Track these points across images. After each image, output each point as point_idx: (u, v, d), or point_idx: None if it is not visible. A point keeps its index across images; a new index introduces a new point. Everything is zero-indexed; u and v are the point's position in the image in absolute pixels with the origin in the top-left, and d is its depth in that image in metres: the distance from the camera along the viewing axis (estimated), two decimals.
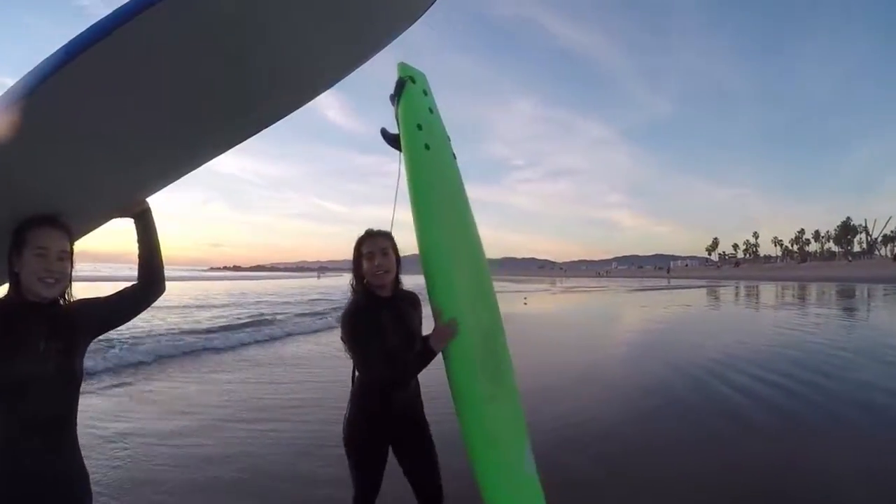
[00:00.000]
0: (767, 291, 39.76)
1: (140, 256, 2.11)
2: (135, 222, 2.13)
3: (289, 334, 15.22)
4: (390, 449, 2.73)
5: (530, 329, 16.79)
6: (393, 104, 2.82)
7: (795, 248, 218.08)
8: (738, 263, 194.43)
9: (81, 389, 1.93)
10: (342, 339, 2.54)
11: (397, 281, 2.71)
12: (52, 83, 1.37)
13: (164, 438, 5.70)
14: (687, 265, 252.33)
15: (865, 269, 78.37)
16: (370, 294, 2.63)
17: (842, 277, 63.58)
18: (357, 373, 2.65)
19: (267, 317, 19.16)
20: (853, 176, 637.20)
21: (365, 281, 2.63)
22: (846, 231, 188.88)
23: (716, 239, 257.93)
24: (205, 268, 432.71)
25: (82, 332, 1.94)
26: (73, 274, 1.93)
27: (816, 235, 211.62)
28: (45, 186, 1.78)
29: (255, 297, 32.84)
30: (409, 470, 2.74)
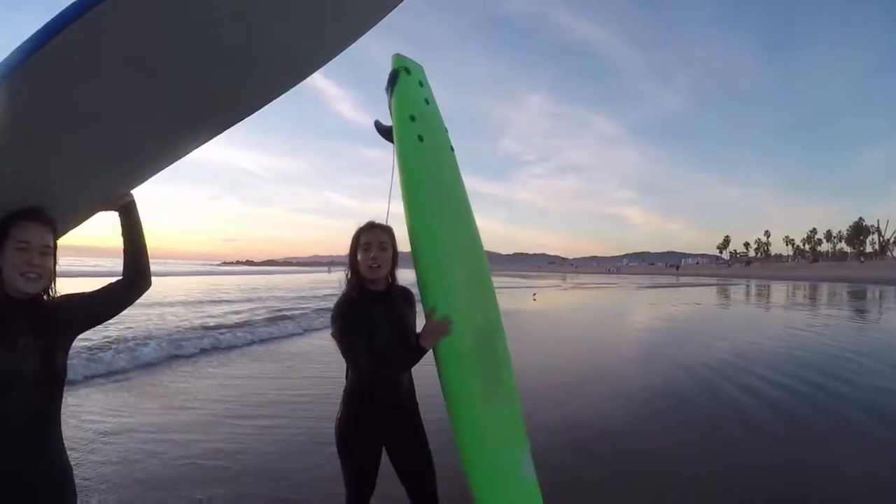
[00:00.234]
0: (778, 291, 39.51)
1: (125, 251, 2.07)
2: (119, 216, 2.09)
3: (306, 330, 15.03)
4: (384, 450, 2.67)
5: (539, 326, 16.75)
6: (387, 95, 2.76)
7: (807, 247, 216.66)
8: (749, 262, 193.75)
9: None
10: (332, 334, 2.48)
11: (392, 277, 2.66)
12: (25, 70, 1.32)
13: (170, 434, 5.69)
14: (698, 263, 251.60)
15: (877, 270, 77.76)
16: (363, 288, 2.58)
17: (854, 278, 63.10)
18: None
19: (284, 312, 18.89)
20: (866, 176, 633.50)
21: (359, 274, 2.58)
22: (858, 231, 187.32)
23: (727, 237, 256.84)
24: (217, 262, 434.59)
25: (66, 328, 1.90)
26: (58, 269, 1.89)
27: (828, 235, 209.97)
28: (25, 179, 1.73)
29: (266, 292, 32.63)
30: (402, 471, 2.68)
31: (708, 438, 5.66)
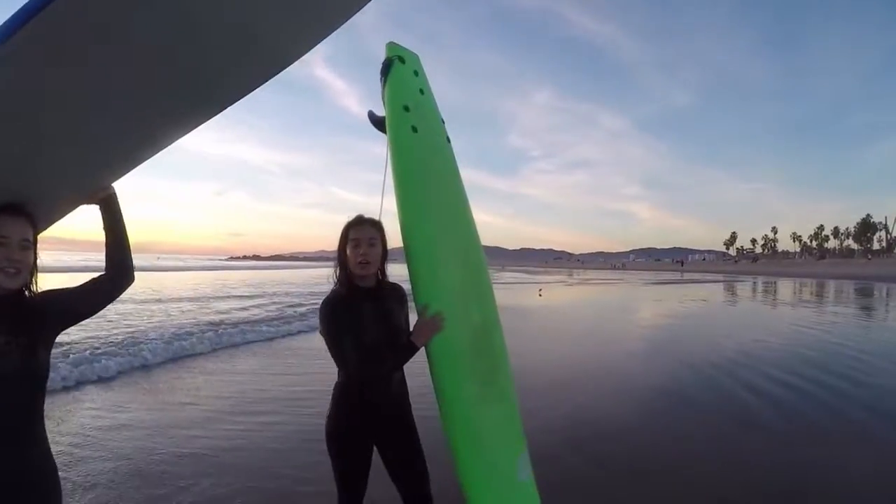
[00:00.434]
0: (785, 288, 39.29)
1: (107, 245, 2.02)
2: (100, 209, 2.03)
3: (312, 328, 14.79)
4: (376, 451, 2.60)
5: (543, 322, 16.71)
6: (381, 85, 2.67)
7: (814, 244, 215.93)
8: (755, 259, 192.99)
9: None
10: (320, 332, 2.42)
11: (382, 273, 2.59)
12: None
13: (169, 430, 5.68)
14: (704, 259, 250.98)
15: (885, 268, 77.14)
16: (352, 284, 2.51)
17: (861, 275, 62.71)
18: None
19: (290, 309, 18.70)
20: (874, 173, 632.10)
21: (348, 269, 2.51)
22: (865, 228, 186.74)
23: (734, 233, 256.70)
24: (224, 257, 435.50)
25: (47, 325, 1.85)
26: (39, 264, 1.85)
27: (836, 232, 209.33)
28: (2, 173, 1.69)
29: (273, 288, 32.52)
30: (394, 472, 2.61)
31: (713, 438, 5.60)
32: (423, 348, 2.40)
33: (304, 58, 2.03)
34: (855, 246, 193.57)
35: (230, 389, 7.54)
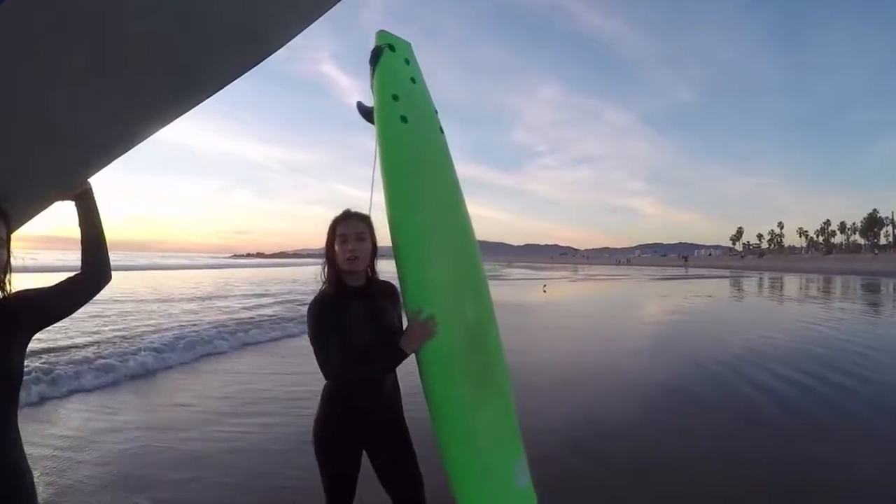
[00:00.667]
0: (791, 284, 39.08)
1: (83, 242, 1.94)
2: (76, 205, 1.96)
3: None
4: (366, 456, 2.50)
5: (547, 318, 16.66)
6: (370, 74, 2.57)
7: (821, 239, 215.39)
8: (762, 254, 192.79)
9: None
10: (308, 333, 2.31)
11: (372, 270, 2.49)
12: None
13: (165, 432, 5.63)
14: (710, 254, 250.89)
15: (892, 263, 76.69)
16: (340, 283, 2.39)
17: (868, 271, 62.33)
18: None
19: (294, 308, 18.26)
20: (880, 167, 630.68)
21: (336, 267, 2.40)
22: (872, 223, 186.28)
23: (740, 228, 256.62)
24: (228, 255, 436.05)
25: (22, 325, 1.78)
26: (13, 263, 1.78)
27: (842, 227, 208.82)
28: None
29: (276, 286, 32.14)
30: (386, 479, 2.49)
31: (717, 435, 5.53)
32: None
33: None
34: (861, 241, 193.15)
35: (229, 390, 7.49)
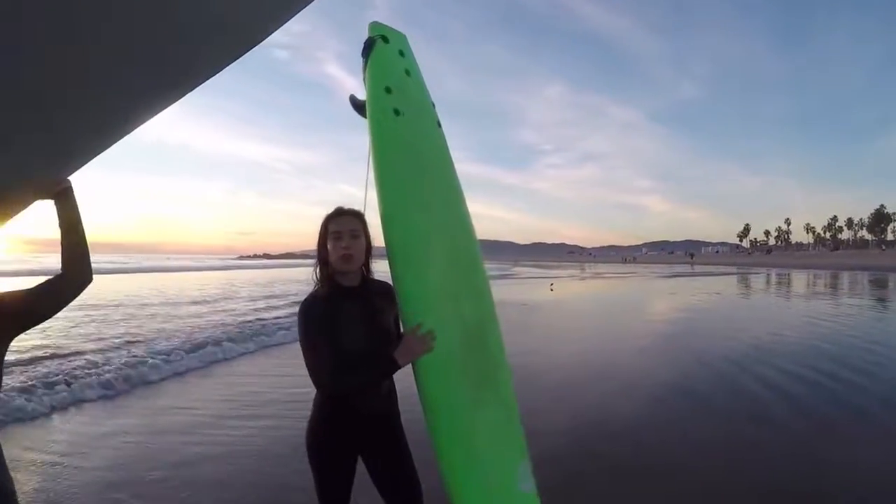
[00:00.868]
0: (799, 280, 38.89)
1: (62, 243, 1.88)
2: (56, 204, 1.88)
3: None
4: (361, 462, 2.41)
5: (553, 317, 16.58)
6: (362, 67, 2.48)
7: (828, 235, 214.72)
8: (769, 251, 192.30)
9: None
10: (298, 337, 2.21)
11: (367, 269, 2.40)
12: None
13: (165, 436, 5.57)
14: (717, 252, 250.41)
15: None
16: (333, 283, 2.31)
17: (875, 266, 62.00)
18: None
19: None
20: (887, 163, 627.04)
21: (329, 267, 2.31)
22: (879, 219, 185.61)
23: (747, 225, 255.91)
24: (234, 256, 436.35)
25: (1, 328, 1.73)
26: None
27: (849, 223, 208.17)
28: None
29: (282, 287, 31.98)
30: (382, 485, 2.41)
31: (724, 435, 5.45)
32: None
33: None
34: (869, 237, 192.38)
35: (233, 392, 7.46)
